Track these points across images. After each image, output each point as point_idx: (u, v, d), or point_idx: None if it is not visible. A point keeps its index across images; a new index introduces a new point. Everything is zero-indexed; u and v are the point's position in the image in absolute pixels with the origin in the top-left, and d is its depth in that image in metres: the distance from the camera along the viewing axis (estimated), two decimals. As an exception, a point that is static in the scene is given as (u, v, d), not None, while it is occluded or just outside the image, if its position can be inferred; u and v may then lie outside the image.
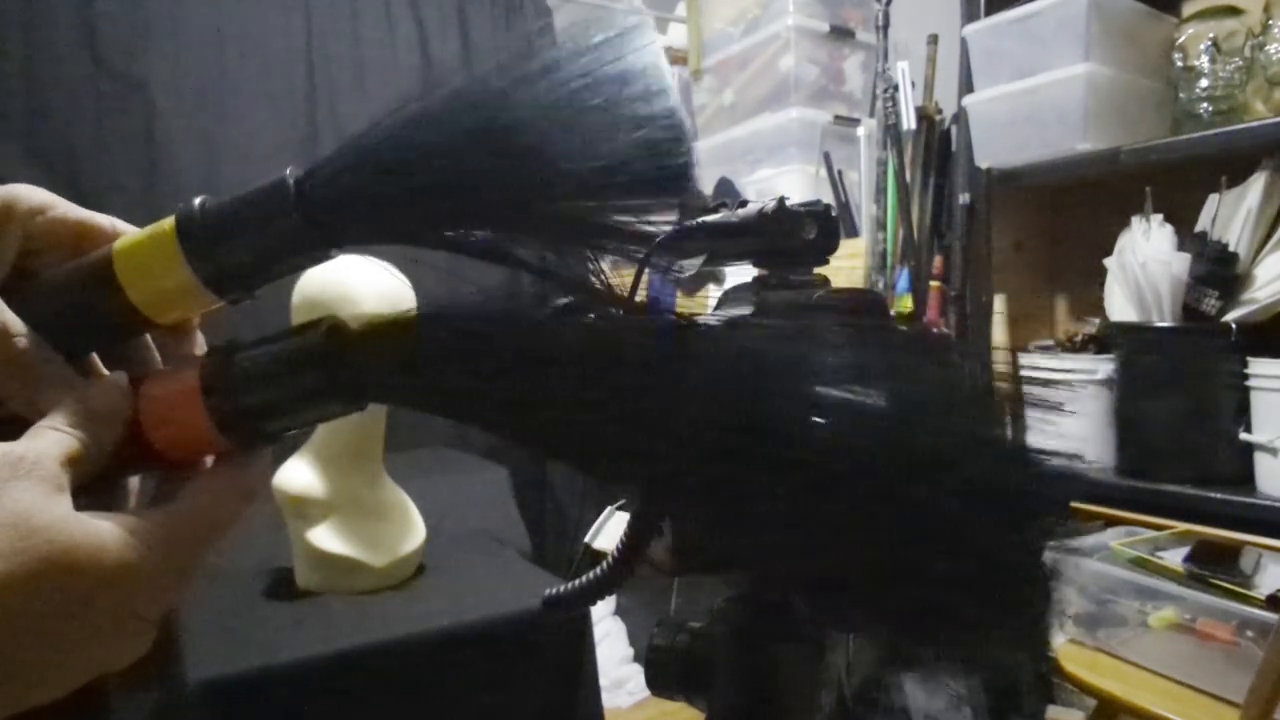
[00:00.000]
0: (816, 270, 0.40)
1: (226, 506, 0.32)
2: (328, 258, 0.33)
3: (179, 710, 1.01)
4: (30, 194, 0.34)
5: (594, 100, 0.30)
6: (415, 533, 1.29)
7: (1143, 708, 1.10)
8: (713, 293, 2.01)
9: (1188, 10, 1.58)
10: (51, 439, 0.29)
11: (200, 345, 0.37)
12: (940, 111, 1.86)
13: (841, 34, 2.09)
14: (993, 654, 0.27)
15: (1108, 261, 1.53)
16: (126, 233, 0.35)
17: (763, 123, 2.08)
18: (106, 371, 0.36)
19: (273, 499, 1.20)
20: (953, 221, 1.77)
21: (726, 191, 2.13)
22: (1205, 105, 1.45)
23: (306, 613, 1.16)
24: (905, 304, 1.75)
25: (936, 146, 1.84)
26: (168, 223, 0.33)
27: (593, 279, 0.32)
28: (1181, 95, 1.49)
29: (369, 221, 0.32)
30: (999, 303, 1.67)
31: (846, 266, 1.88)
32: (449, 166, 0.30)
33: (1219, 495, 1.31)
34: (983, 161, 1.67)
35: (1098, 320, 1.62)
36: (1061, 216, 1.81)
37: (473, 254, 0.32)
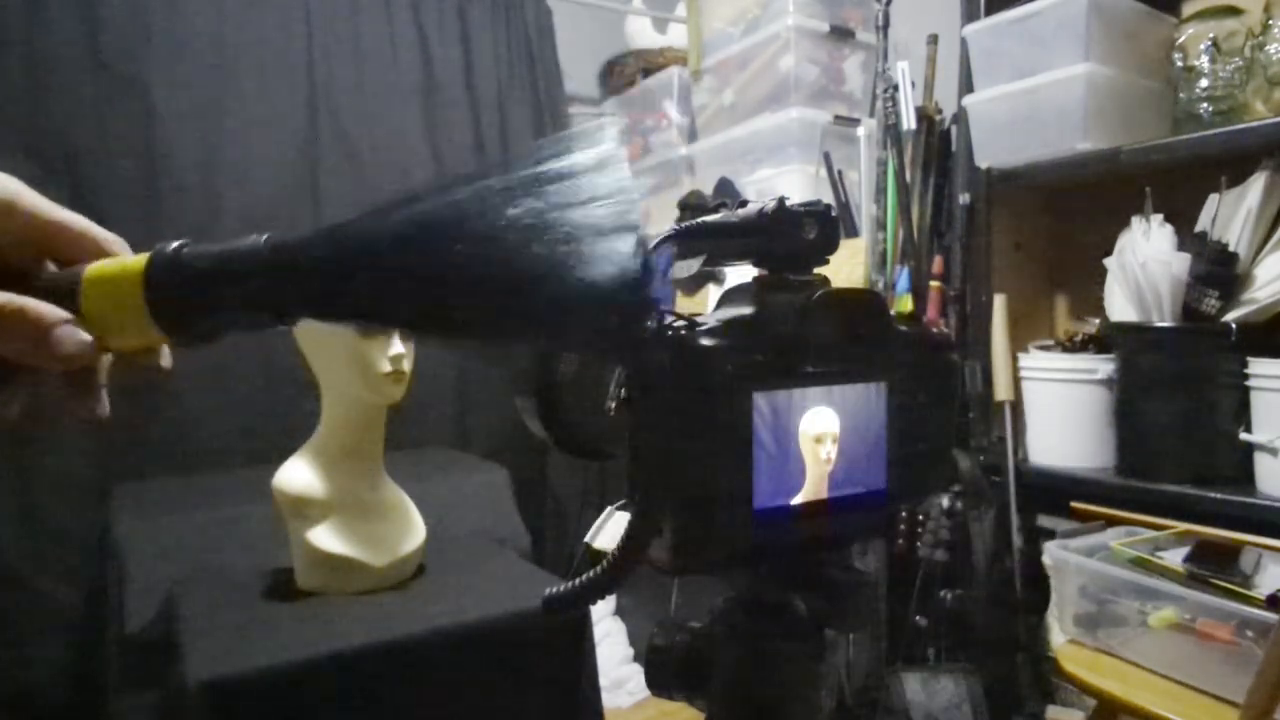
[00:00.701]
0: (816, 270, 0.40)
1: None
2: (287, 327, 0.35)
3: (179, 710, 1.01)
4: (2, 185, 0.34)
5: (565, 227, 0.31)
6: (415, 533, 1.29)
7: (1143, 708, 1.10)
8: (713, 293, 2.01)
9: (1188, 10, 1.58)
10: None
11: (166, 358, 0.38)
12: (940, 111, 1.86)
13: (841, 34, 2.09)
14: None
15: (1108, 261, 1.53)
16: (96, 237, 0.36)
17: (763, 123, 2.08)
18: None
19: (273, 499, 1.20)
20: (953, 221, 1.77)
21: (726, 191, 2.13)
22: (1205, 105, 1.45)
23: (306, 613, 1.16)
24: (905, 304, 1.76)
25: (936, 146, 1.84)
26: (139, 263, 0.34)
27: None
28: (1181, 95, 1.49)
29: (333, 306, 0.34)
30: (999, 303, 1.67)
31: (846, 266, 1.88)
32: (418, 272, 0.32)
33: (1219, 495, 1.31)
34: (983, 161, 1.67)
35: (1098, 320, 1.62)
36: (1061, 216, 1.81)
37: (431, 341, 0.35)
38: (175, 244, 0.34)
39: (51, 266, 0.36)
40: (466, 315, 0.32)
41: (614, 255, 0.30)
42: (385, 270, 0.32)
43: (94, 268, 0.34)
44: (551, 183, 0.31)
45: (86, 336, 0.33)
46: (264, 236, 0.33)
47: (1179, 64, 1.50)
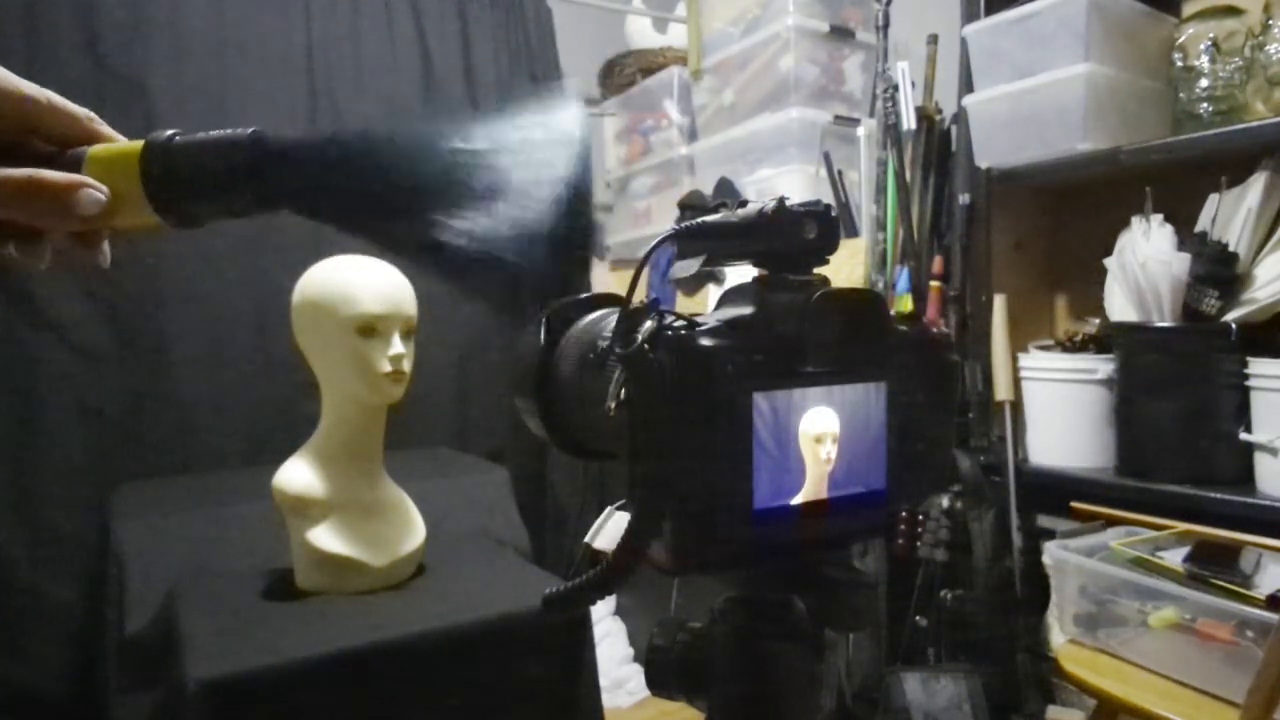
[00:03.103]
0: (816, 270, 0.40)
1: None
2: (271, 212, 0.38)
3: (179, 710, 1.01)
4: None
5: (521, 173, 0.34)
6: (415, 533, 1.29)
7: (1143, 708, 1.10)
8: (713, 293, 2.01)
9: (1188, 10, 1.58)
10: None
11: (106, 257, 0.41)
12: (940, 111, 1.86)
13: (841, 34, 2.09)
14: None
15: (1108, 261, 1.53)
16: (71, 111, 0.39)
17: (763, 123, 2.08)
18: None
19: (273, 499, 1.20)
20: (953, 221, 1.77)
21: (726, 191, 2.13)
22: (1205, 105, 1.45)
23: (306, 613, 1.16)
24: (905, 304, 1.76)
25: (936, 146, 1.84)
26: (136, 148, 0.38)
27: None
28: (1181, 95, 1.49)
29: (304, 198, 0.38)
30: (999, 303, 1.67)
31: (846, 266, 1.88)
32: (377, 179, 0.36)
33: (1219, 495, 1.31)
34: (983, 161, 1.67)
35: (1098, 320, 1.62)
36: (1061, 216, 1.81)
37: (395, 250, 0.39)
38: (169, 132, 0.38)
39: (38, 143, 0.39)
40: (407, 229, 0.36)
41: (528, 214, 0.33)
42: (352, 175, 0.36)
43: (96, 149, 0.38)
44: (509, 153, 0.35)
45: (101, 196, 0.37)
46: (249, 129, 0.37)
47: (1179, 64, 1.50)
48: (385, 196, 0.35)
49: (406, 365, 1.20)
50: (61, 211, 0.36)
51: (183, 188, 0.38)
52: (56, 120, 0.39)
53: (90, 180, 0.37)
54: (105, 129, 0.40)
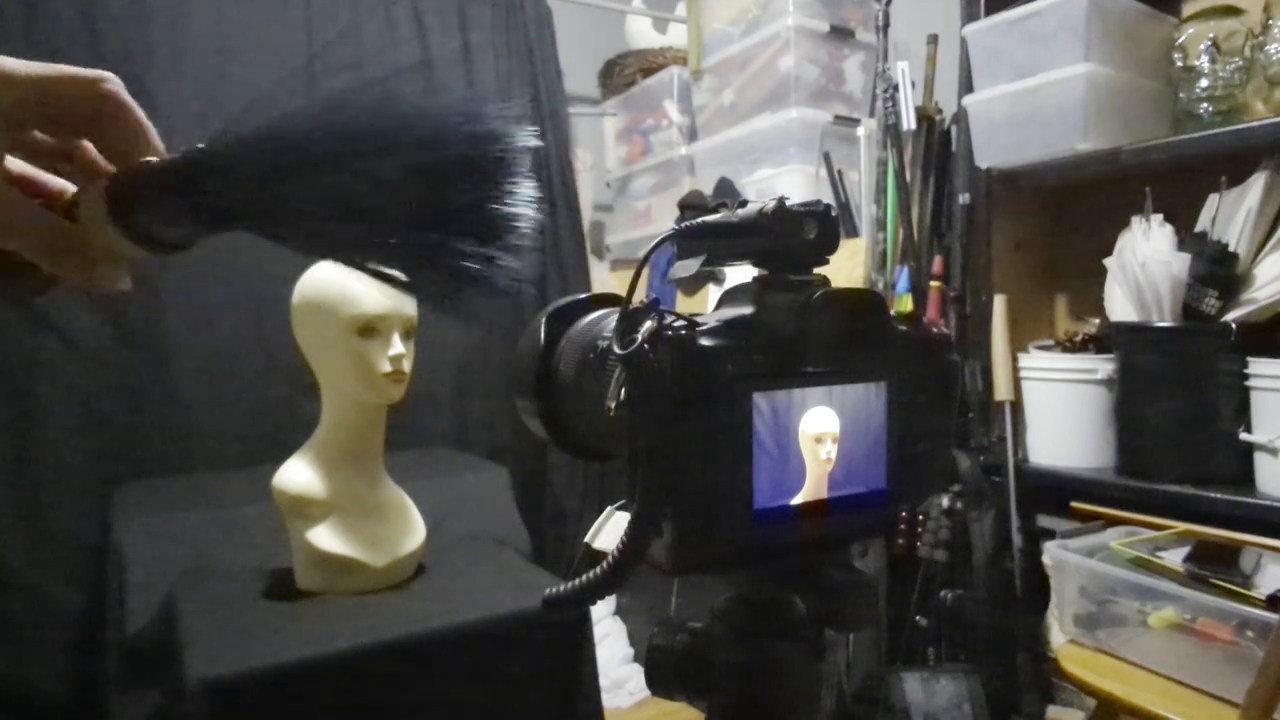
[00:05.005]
0: (816, 270, 0.40)
1: None
2: (229, 230, 0.37)
3: (179, 710, 1.01)
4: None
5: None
6: (415, 533, 1.29)
7: (1143, 708, 1.10)
8: (713, 293, 2.01)
9: (1188, 10, 1.58)
10: None
11: (124, 281, 0.40)
12: (940, 111, 1.86)
13: (841, 34, 2.09)
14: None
15: (1108, 261, 1.53)
16: (71, 77, 0.37)
17: (763, 123, 2.08)
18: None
19: (273, 499, 1.20)
20: (953, 221, 1.77)
21: (726, 191, 2.13)
22: (1205, 105, 1.45)
23: (306, 613, 1.16)
24: (905, 304, 1.76)
25: (936, 146, 1.84)
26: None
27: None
28: (1181, 95, 1.49)
29: (248, 214, 0.36)
30: (999, 303, 1.67)
31: (846, 266, 1.88)
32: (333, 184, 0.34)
33: (1219, 495, 1.31)
34: (983, 161, 1.67)
35: (1098, 320, 1.62)
36: (1061, 216, 1.81)
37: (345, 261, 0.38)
38: (143, 159, 0.37)
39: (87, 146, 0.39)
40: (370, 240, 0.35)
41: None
42: (306, 184, 0.34)
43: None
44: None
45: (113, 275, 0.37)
46: (196, 146, 0.36)
47: (1179, 64, 1.50)
48: (343, 204, 0.34)
49: (406, 365, 1.20)
50: (84, 283, 0.37)
51: (138, 215, 0.37)
52: (63, 92, 0.36)
53: (37, 213, 0.36)
54: (116, 89, 0.37)
